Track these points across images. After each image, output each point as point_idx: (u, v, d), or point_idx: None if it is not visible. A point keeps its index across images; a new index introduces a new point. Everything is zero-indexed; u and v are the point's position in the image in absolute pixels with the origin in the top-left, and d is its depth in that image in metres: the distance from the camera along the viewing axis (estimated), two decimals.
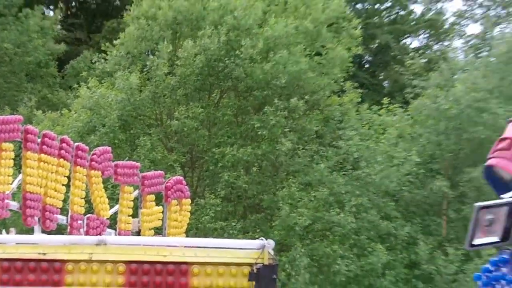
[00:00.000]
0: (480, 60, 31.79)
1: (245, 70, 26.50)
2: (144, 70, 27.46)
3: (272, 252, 7.24)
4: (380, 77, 42.52)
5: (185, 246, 7.43)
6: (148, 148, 26.06)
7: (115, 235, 11.50)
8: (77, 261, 7.09)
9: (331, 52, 28.57)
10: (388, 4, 43.69)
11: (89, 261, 7.11)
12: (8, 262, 6.99)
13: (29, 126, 10.71)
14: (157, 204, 12.74)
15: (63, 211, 11.04)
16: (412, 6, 44.01)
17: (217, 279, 7.17)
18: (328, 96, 28.80)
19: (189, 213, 13.21)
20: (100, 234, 10.99)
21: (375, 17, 42.60)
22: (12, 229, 10.81)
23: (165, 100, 27.23)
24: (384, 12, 44.01)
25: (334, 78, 28.70)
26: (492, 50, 31.73)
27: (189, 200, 13.21)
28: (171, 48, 27.13)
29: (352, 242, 25.88)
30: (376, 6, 43.19)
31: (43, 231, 10.43)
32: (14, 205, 10.22)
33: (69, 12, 41.59)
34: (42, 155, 10.50)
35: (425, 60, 36.17)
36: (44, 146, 10.57)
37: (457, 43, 41.02)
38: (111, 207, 12.20)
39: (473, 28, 42.93)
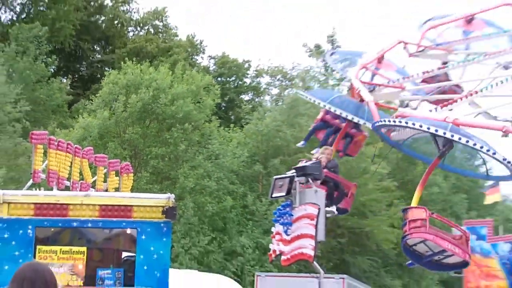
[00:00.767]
0: (278, 106, 37.80)
1: (162, 110, 29.66)
2: (112, 109, 30.34)
3: (173, 200, 8.52)
4: (230, 114, 46.46)
5: (131, 197, 8.74)
6: (113, 148, 28.66)
7: (94, 191, 11.94)
8: (74, 204, 8.49)
9: (205, 100, 32.16)
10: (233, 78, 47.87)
11: (81, 204, 8.49)
12: (39, 204, 8.42)
13: (51, 136, 12.00)
14: (115, 176, 13.72)
15: (68, 179, 12.13)
16: (246, 80, 49.20)
17: (146, 214, 8.58)
18: (203, 122, 31.93)
19: (132, 181, 14.13)
20: (87, 190, 12.14)
21: (227, 84, 47.76)
22: (42, 188, 10.75)
23: (122, 124, 29.86)
24: (232, 82, 49.15)
25: (207, 114, 32.09)
26: (284, 101, 36.50)
27: (132, 174, 14.09)
28: (125, 98, 29.86)
29: (215, 195, 29.29)
30: (228, 79, 48.48)
31: (58, 189, 11.48)
32: (42, 176, 11.46)
33: (73, 79, 45.36)
34: (57, 151, 11.77)
35: (251, 106, 41.07)
36: (59, 147, 11.82)
37: (267, 97, 47.97)
38: (93, 177, 13.20)
39: (276, 90, 45.30)
